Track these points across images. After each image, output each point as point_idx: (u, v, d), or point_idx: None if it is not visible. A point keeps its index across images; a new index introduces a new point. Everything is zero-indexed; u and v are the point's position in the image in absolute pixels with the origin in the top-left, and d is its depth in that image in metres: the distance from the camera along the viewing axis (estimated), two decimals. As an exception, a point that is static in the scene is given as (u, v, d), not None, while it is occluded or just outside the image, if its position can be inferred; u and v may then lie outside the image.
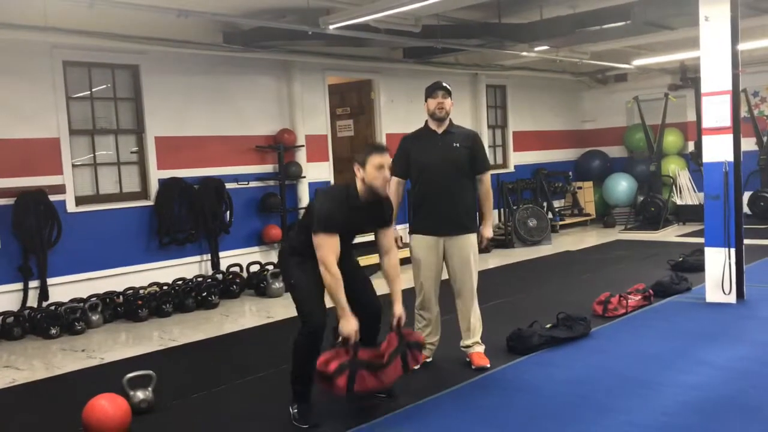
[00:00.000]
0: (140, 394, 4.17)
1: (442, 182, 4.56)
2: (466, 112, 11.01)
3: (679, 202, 12.18)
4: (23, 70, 6.67)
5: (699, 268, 7.56)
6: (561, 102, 13.04)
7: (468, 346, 4.77)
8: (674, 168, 12.35)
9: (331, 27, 6.75)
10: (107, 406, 3.79)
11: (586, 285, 7.29)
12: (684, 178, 12.35)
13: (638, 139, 12.62)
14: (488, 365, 4.64)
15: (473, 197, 4.74)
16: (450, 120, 4.72)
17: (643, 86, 12.52)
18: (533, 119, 12.39)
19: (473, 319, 4.74)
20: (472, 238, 4.67)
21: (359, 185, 3.99)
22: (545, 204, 11.82)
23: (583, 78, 12.64)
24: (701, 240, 9.88)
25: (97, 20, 6.57)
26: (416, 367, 4.68)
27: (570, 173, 12.91)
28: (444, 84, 4.67)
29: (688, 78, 11.80)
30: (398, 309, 4.07)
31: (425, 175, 4.60)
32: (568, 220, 12.37)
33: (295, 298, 4.03)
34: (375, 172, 3.92)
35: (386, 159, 3.98)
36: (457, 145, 4.57)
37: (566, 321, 5.23)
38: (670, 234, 11.00)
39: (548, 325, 5.19)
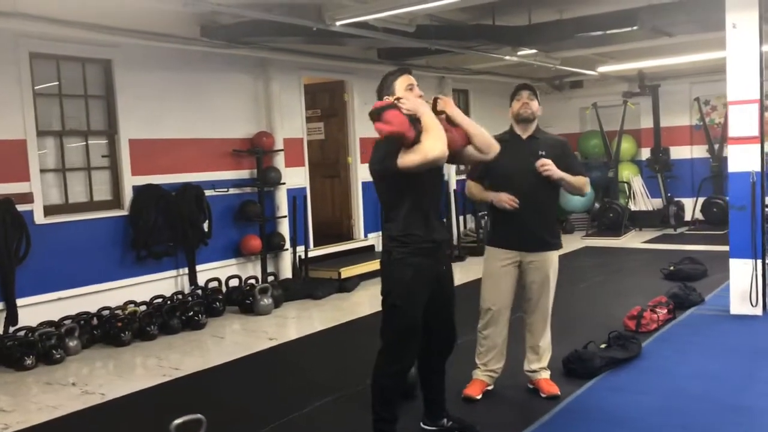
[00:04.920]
0: (192, 443, 3.58)
1: (525, 193, 4.16)
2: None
3: (633, 207, 12.31)
4: (-15, 62, 5.84)
5: (695, 276, 7.59)
6: (517, 107, 12.94)
7: (534, 371, 4.41)
8: (628, 174, 12.49)
9: (338, 24, 6.28)
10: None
11: (590, 296, 7.12)
12: (637, 185, 12.50)
13: (593, 146, 12.69)
14: (559, 393, 4.30)
15: (556, 211, 4.40)
16: (537, 126, 4.36)
17: (599, 93, 12.59)
18: (493, 124, 12.10)
19: (543, 343, 4.39)
20: (554, 256, 4.31)
21: None
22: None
23: (540, 84, 12.57)
24: (670, 247, 10.19)
25: (68, 7, 5.86)
26: (478, 397, 4.33)
27: (526, 179, 12.81)
28: (529, 84, 4.32)
29: (646, 86, 11.95)
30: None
31: (507, 184, 4.20)
32: (527, 226, 12.23)
33: (390, 322, 3.46)
34: (406, 94, 3.43)
35: (413, 79, 3.52)
36: (543, 153, 4.20)
37: (618, 340, 4.97)
38: (634, 240, 11.07)
39: (602, 345, 4.92)
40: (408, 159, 3.27)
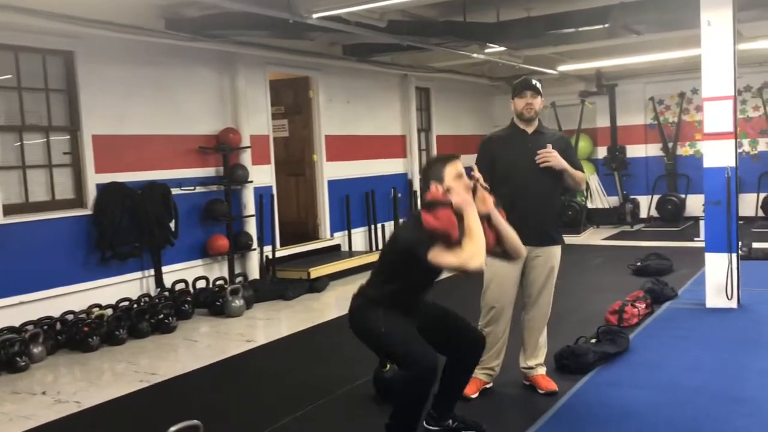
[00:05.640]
0: (190, 451, 3.39)
1: (531, 187, 4.10)
2: (396, 115, 10.64)
3: (590, 205, 12.47)
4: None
5: (662, 271, 7.69)
6: (474, 106, 12.97)
7: (530, 368, 4.36)
8: (585, 172, 12.62)
9: (314, 16, 6.13)
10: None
11: (565, 292, 6.97)
12: (594, 183, 12.68)
13: (551, 144, 12.79)
14: (557, 389, 4.25)
15: (559, 206, 4.35)
16: (540, 120, 4.30)
17: (557, 92, 12.67)
18: (453, 123, 12.20)
19: (541, 339, 4.35)
20: (557, 250, 4.26)
21: None
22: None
23: (498, 83, 12.61)
24: (630, 243, 10.35)
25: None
26: (473, 396, 4.24)
27: (485, 178, 12.85)
28: (533, 82, 4.24)
29: (603, 85, 12.12)
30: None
31: (513, 179, 4.13)
32: (487, 225, 12.28)
33: (392, 344, 3.38)
34: (455, 183, 3.42)
35: (461, 166, 3.49)
36: (549, 146, 4.14)
37: (607, 335, 4.97)
38: (594, 237, 11.20)
39: (593, 340, 4.90)
40: (443, 258, 3.22)
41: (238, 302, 6.81)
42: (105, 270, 6.56)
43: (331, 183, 9.30)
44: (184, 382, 4.93)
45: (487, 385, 4.33)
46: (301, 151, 9.27)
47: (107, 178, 6.58)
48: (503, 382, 4.41)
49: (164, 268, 7.04)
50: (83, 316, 6.11)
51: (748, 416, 3.76)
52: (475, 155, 4.32)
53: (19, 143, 6.11)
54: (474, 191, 3.43)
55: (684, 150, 12.21)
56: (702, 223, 9.92)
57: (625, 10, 6.83)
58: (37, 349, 5.54)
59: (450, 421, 3.74)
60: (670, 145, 12.14)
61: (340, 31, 6.95)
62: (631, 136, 12.49)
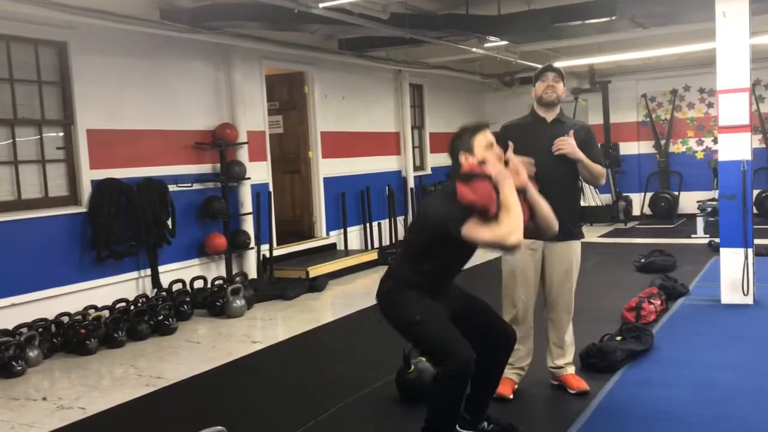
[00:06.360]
0: (216, 459, 3.19)
1: (549, 178, 3.89)
2: (390, 112, 10.46)
3: (582, 203, 12.37)
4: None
5: (667, 268, 7.59)
6: (466, 104, 12.82)
7: (559, 367, 4.19)
8: (577, 170, 12.56)
9: (321, 6, 5.93)
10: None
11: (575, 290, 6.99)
12: (586, 180, 12.59)
13: (543, 142, 12.69)
14: (588, 389, 4.09)
15: (579, 199, 4.19)
16: (561, 109, 4.13)
17: (548, 89, 12.59)
18: (445, 120, 12.03)
19: (567, 337, 4.19)
20: (577, 245, 4.11)
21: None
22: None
23: (490, 80, 12.50)
24: (626, 240, 10.28)
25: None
26: (511, 396, 4.07)
27: (477, 175, 12.72)
28: (555, 66, 4.08)
29: (596, 82, 12.05)
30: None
31: None
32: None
33: (426, 335, 3.20)
34: (486, 153, 3.22)
35: (491, 135, 3.29)
36: (569, 136, 3.98)
37: (632, 332, 4.83)
38: (589, 235, 10.98)
39: (618, 338, 4.75)
40: (479, 233, 3.01)
41: (239, 302, 6.58)
42: (100, 270, 6.30)
43: (326, 180, 9.10)
44: (193, 385, 4.70)
45: (515, 386, 4.17)
46: (296, 147, 9.05)
47: (102, 174, 6.33)
48: (530, 382, 4.24)
49: (160, 268, 6.80)
50: (79, 317, 5.84)
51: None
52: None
53: (10, 138, 5.82)
54: (506, 162, 3.23)
55: (676, 147, 12.19)
56: (699, 220, 10.02)
57: (632, 2, 6.73)
58: (33, 353, 5.28)
59: (485, 424, 3.56)
60: (663, 142, 12.10)
61: (341, 22, 6.75)
62: (623, 134, 12.43)
